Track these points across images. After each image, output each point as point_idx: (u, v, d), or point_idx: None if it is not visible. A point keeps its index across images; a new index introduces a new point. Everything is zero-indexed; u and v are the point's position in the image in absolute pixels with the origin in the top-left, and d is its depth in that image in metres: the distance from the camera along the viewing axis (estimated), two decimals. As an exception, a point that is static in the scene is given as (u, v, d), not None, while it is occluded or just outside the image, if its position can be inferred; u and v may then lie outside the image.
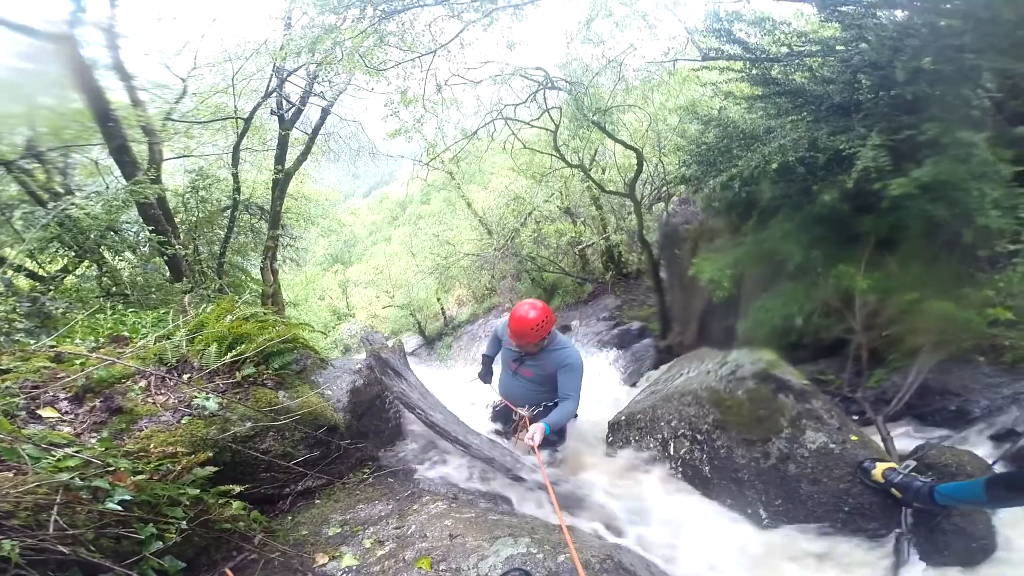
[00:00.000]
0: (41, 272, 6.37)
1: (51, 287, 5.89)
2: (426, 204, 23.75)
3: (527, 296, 15.00)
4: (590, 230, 12.14)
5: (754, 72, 3.99)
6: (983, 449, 3.07)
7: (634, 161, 7.37)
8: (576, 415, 3.66)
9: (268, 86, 6.83)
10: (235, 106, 7.03)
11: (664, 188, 9.30)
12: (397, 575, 2.28)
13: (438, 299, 19.08)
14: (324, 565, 2.50)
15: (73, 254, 6.15)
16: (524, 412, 3.69)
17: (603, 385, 7.05)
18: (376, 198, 41.21)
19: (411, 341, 19.20)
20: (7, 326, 4.54)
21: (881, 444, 3.08)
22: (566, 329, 11.79)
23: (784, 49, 3.97)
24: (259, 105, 6.99)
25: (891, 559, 2.54)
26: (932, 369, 3.25)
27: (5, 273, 6.40)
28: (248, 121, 7.01)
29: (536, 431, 3.17)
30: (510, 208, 13.30)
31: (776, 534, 2.83)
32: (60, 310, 5.17)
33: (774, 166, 3.31)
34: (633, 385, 7.11)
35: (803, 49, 3.90)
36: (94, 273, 6.32)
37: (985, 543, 2.55)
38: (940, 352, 3.11)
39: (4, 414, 2.20)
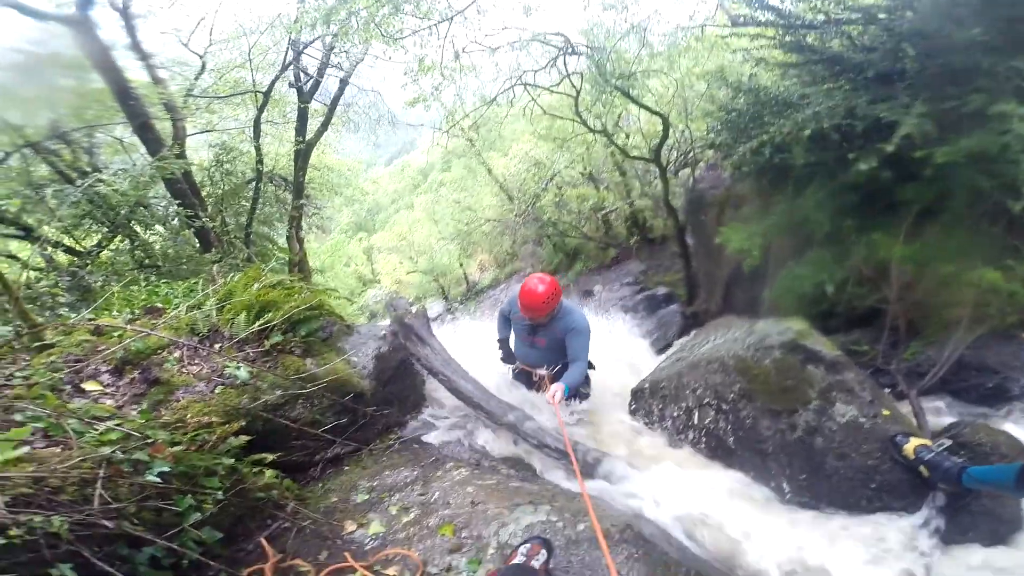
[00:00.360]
0: (78, 247, 6.60)
1: (88, 262, 6.11)
2: (447, 171, 23.51)
3: (549, 261, 14.95)
4: (613, 195, 11.85)
5: (788, 39, 3.81)
6: (1021, 430, 2.92)
7: (659, 127, 7.09)
8: (593, 367, 3.87)
9: (285, 59, 6.74)
10: (253, 80, 7.00)
11: (691, 154, 8.95)
12: (422, 541, 2.37)
13: (460, 264, 19.17)
14: (352, 532, 2.59)
15: (106, 229, 6.35)
16: (543, 372, 3.91)
17: (627, 351, 6.98)
18: (398, 166, 41.01)
19: (435, 306, 19.47)
20: (51, 300, 4.76)
21: (913, 420, 2.96)
22: (588, 295, 11.71)
23: (820, 16, 3.78)
24: (277, 78, 6.96)
25: (915, 536, 2.48)
26: (970, 344, 3.10)
27: (45, 249, 6.69)
28: (267, 95, 6.98)
29: (557, 390, 3.29)
30: (531, 174, 13.07)
31: (798, 508, 2.79)
32: (98, 283, 5.39)
33: (807, 133, 3.16)
34: (660, 352, 7.03)
35: (841, 16, 3.70)
36: (127, 247, 6.52)
37: (1012, 524, 2.49)
38: (980, 326, 2.95)
39: (50, 389, 2.29)
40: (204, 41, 7.00)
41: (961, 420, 2.96)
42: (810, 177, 3.42)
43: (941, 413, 3.28)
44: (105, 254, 6.48)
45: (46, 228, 6.24)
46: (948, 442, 2.57)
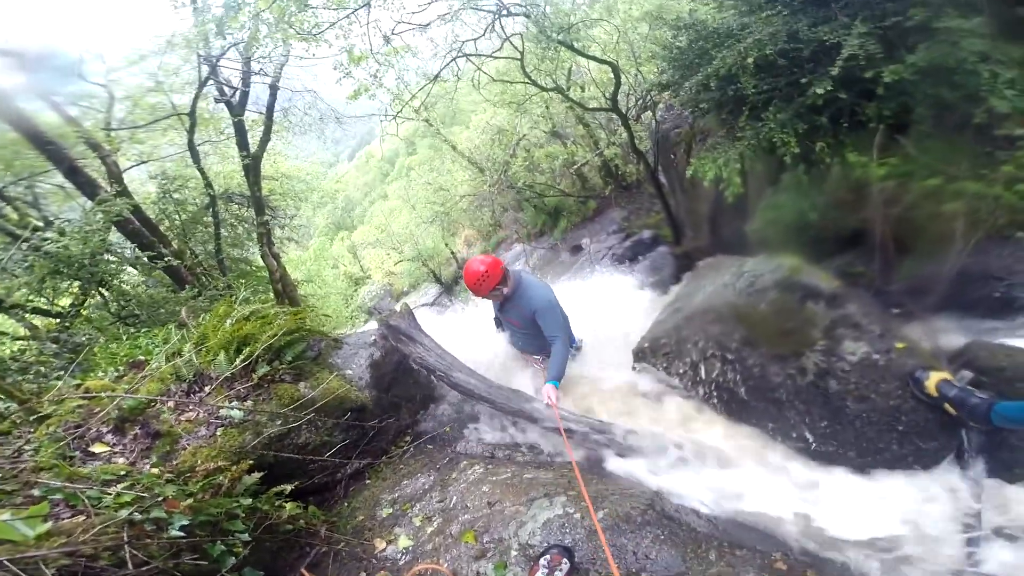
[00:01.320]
0: (55, 309, 6.40)
1: (67, 324, 5.95)
2: (413, 155, 22.99)
3: (532, 224, 14.79)
4: (582, 149, 11.61)
5: None
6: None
7: (611, 75, 6.82)
8: (579, 347, 3.95)
9: (200, 75, 6.34)
10: (172, 103, 6.61)
11: (648, 97, 8.68)
12: (448, 551, 2.37)
13: (446, 244, 18.98)
14: (384, 550, 2.63)
15: (77, 285, 6.14)
16: (538, 359, 3.96)
17: (625, 301, 6.89)
18: (362, 158, 40.00)
19: (431, 291, 19.40)
20: (43, 368, 4.67)
21: (926, 345, 2.79)
22: (578, 249, 11.63)
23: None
24: (197, 96, 6.55)
25: (955, 481, 2.37)
26: (970, 252, 2.95)
27: (22, 319, 6.50)
28: (192, 115, 6.60)
29: (548, 391, 3.24)
30: (496, 142, 12.75)
31: (825, 459, 2.67)
32: (84, 342, 5.28)
33: (751, 61, 3.02)
34: (660, 296, 6.92)
35: (766, -60, 3.45)
36: (102, 301, 6.33)
37: None
38: (975, 233, 2.83)
39: (61, 457, 2.31)
40: (102, 71, 6.55)
41: (973, 342, 2.79)
42: (766, 103, 3.28)
43: (952, 332, 3.09)
44: (84, 311, 6.29)
45: (17, 295, 6.03)
46: (969, 374, 2.42)
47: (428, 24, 5.44)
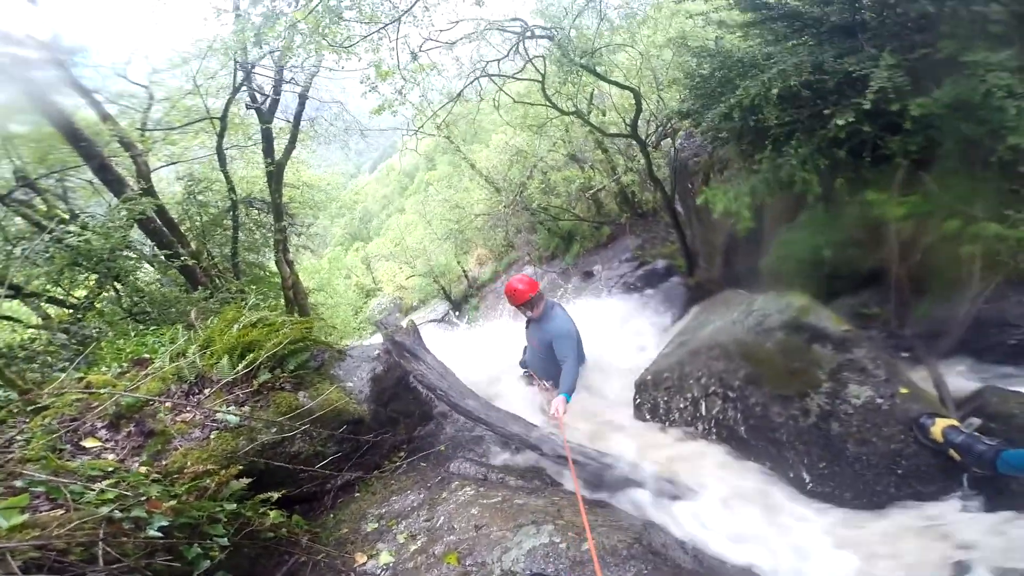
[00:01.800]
0: (70, 300, 6.52)
1: (79, 316, 6.04)
2: (433, 170, 23.32)
3: (545, 247, 14.82)
4: (599, 174, 11.66)
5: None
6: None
7: (632, 101, 6.88)
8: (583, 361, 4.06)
9: (235, 81, 6.54)
10: (206, 106, 6.81)
11: (669, 124, 8.72)
12: (429, 571, 2.30)
13: (458, 262, 19.07)
14: (364, 564, 2.57)
15: (94, 278, 6.26)
16: (547, 385, 4.08)
17: (634, 332, 6.84)
18: (383, 171, 40.72)
19: (440, 307, 19.44)
20: (50, 358, 4.74)
21: (934, 390, 2.78)
22: (589, 275, 11.58)
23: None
24: (230, 102, 6.74)
25: (951, 524, 2.30)
26: (987, 298, 2.91)
27: (38, 308, 6.64)
28: (223, 119, 6.79)
29: (559, 403, 3.31)
30: (514, 163, 12.87)
31: (821, 500, 2.63)
32: (93, 335, 5.35)
33: (775, 92, 2.99)
34: (672, 325, 6.85)
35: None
36: (115, 295, 6.43)
37: None
38: (993, 277, 2.76)
39: (51, 450, 2.32)
40: (146, 71, 6.79)
41: (986, 387, 2.75)
42: (788, 136, 3.25)
43: (963, 377, 3.06)
44: (97, 304, 6.40)
45: (35, 283, 6.16)
46: (978, 421, 2.39)
47: (455, 43, 5.57)
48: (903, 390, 2.56)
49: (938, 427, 2.37)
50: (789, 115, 3.22)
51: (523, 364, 4.58)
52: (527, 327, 4.19)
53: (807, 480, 2.69)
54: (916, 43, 2.87)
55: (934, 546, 2.25)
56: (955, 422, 2.39)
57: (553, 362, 3.81)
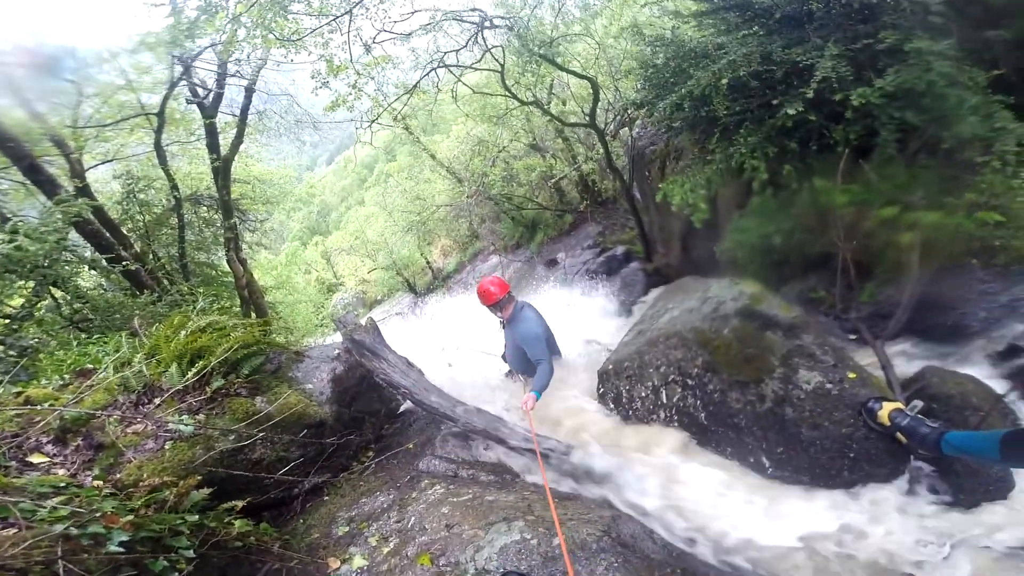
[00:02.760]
0: (6, 309, 6.06)
1: (16, 326, 5.63)
2: (393, 161, 22.82)
3: (510, 236, 14.81)
4: (560, 162, 11.71)
5: None
6: (984, 369, 2.89)
7: (591, 91, 6.91)
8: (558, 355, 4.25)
9: (172, 76, 6.17)
10: (140, 102, 6.40)
11: (625, 114, 8.84)
12: (403, 573, 2.29)
13: (422, 254, 18.83)
14: (338, 569, 2.55)
15: (31, 286, 5.83)
16: (522, 380, 4.27)
17: (596, 320, 6.96)
18: (341, 163, 39.52)
19: (404, 300, 19.15)
20: (-14, 372, 4.40)
21: (881, 373, 2.89)
22: (553, 263, 11.67)
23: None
24: (167, 96, 6.36)
25: (902, 502, 2.42)
26: (926, 280, 3.02)
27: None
28: (161, 114, 6.41)
29: (528, 399, 3.36)
30: (476, 153, 12.76)
31: (781, 484, 2.70)
32: (33, 345, 5.01)
33: (725, 82, 3.06)
34: (627, 314, 7.00)
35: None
36: (54, 303, 6.02)
37: (1003, 482, 2.41)
38: (932, 262, 2.91)
39: None
40: (71, 66, 6.32)
41: (927, 368, 2.89)
42: (738, 125, 3.33)
43: (908, 357, 3.19)
44: (36, 312, 5.96)
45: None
46: (920, 403, 2.47)
47: (410, 34, 5.40)
48: (851, 375, 2.66)
49: (885, 411, 2.46)
50: (739, 105, 3.30)
51: (504, 359, 4.66)
52: (502, 328, 4.27)
53: (767, 464, 2.77)
54: (859, 33, 2.97)
55: (880, 527, 2.36)
56: (900, 405, 2.48)
57: (528, 360, 3.88)
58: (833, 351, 2.79)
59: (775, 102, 3.06)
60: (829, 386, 2.65)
